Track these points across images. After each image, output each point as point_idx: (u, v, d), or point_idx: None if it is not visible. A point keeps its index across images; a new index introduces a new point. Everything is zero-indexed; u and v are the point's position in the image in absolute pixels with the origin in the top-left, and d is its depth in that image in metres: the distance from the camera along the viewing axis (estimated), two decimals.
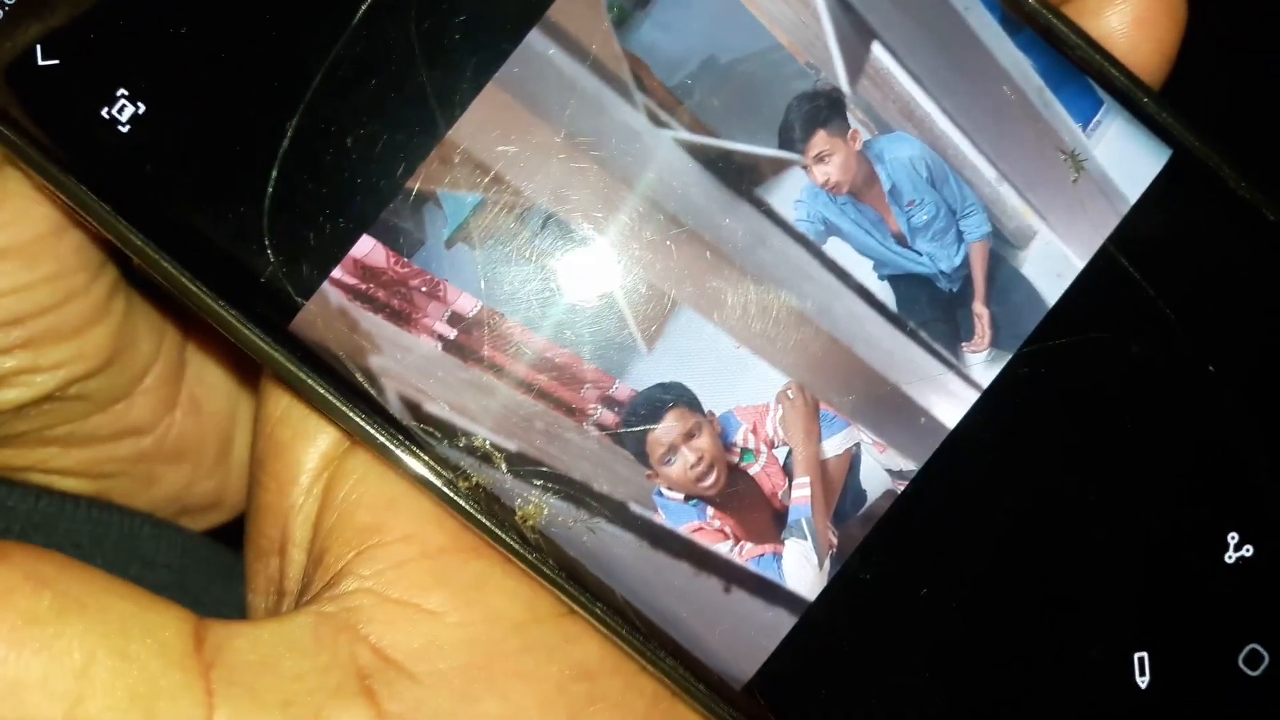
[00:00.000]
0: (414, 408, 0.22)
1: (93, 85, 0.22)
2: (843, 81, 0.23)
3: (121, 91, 0.22)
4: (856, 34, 0.23)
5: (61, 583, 0.20)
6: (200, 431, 0.31)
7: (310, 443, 0.24)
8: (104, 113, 0.22)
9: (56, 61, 0.22)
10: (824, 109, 0.23)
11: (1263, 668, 0.24)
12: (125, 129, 0.22)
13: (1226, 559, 0.24)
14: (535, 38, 0.22)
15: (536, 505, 0.23)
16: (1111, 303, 0.24)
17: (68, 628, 0.20)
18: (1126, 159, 0.24)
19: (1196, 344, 0.24)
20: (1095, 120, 0.24)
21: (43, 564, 0.20)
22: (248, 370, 0.31)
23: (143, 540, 0.30)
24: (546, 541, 0.23)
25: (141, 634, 0.20)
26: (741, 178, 0.23)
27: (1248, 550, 0.24)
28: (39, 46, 0.22)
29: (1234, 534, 0.24)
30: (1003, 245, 0.23)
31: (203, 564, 0.32)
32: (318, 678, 0.21)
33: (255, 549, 0.25)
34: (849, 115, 0.23)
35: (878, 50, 0.23)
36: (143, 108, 0.22)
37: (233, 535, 0.32)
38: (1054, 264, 0.23)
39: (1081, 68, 0.24)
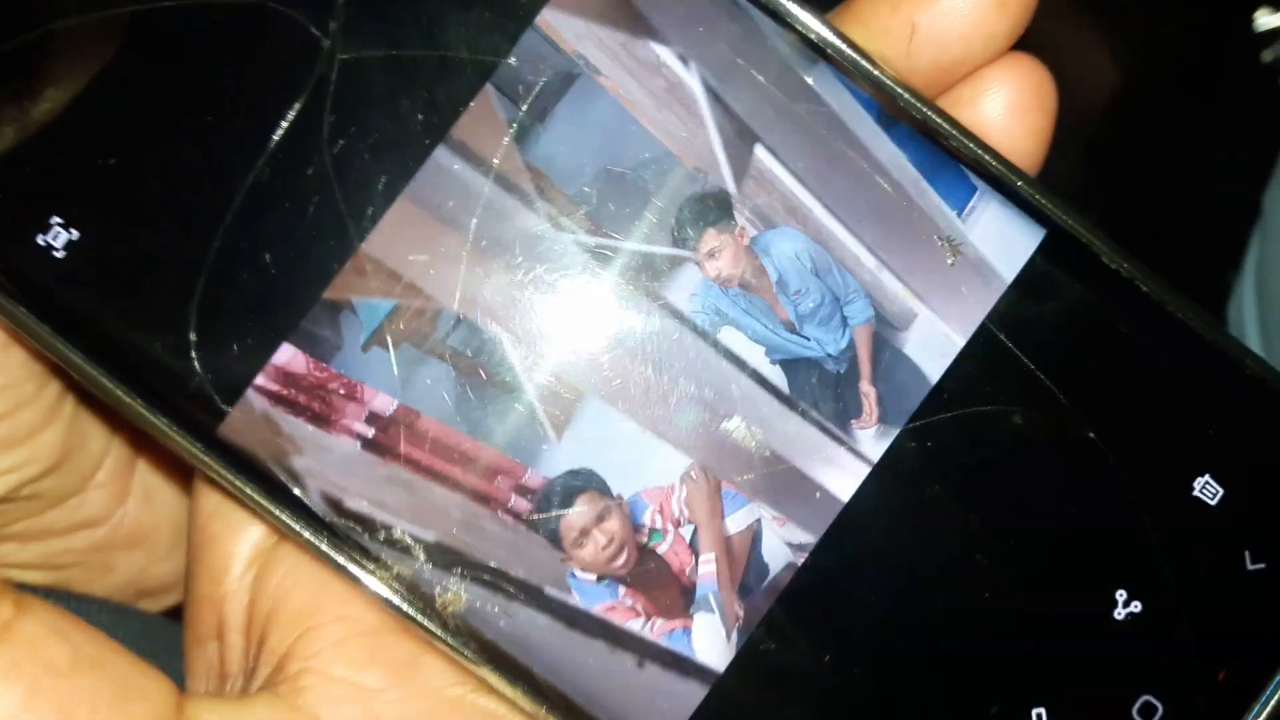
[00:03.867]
0: (335, 504, 0.24)
1: (28, 215, 0.23)
2: (729, 183, 0.24)
3: (56, 220, 0.23)
4: (740, 139, 0.24)
5: (77, 639, 0.21)
6: (154, 519, 0.32)
7: (241, 535, 0.25)
8: (39, 240, 0.23)
9: None
10: (712, 209, 0.24)
11: (1156, 718, 0.25)
12: (60, 255, 0.23)
13: (1116, 615, 0.25)
14: (441, 154, 0.23)
15: (455, 593, 0.24)
16: (992, 377, 0.25)
17: (81, 682, 0.21)
18: (1002, 240, 0.25)
19: (1077, 413, 0.25)
20: (970, 206, 0.25)
21: (62, 620, 0.22)
22: None
23: (100, 626, 0.30)
24: (466, 626, 0.24)
25: (140, 696, 0.21)
26: (639, 275, 0.24)
27: (1136, 606, 0.25)
28: None
29: (1122, 591, 0.25)
30: (885, 327, 0.25)
31: (163, 644, 0.32)
32: None
33: (193, 635, 0.26)
34: (736, 213, 0.24)
35: (760, 152, 0.24)
36: (76, 234, 0.23)
37: None
38: (935, 343, 0.25)
39: (955, 157, 0.25)
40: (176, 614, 0.34)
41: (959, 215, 0.25)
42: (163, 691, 0.22)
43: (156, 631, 0.32)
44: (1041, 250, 0.25)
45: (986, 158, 0.25)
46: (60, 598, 0.30)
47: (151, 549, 0.32)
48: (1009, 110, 0.26)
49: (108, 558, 0.31)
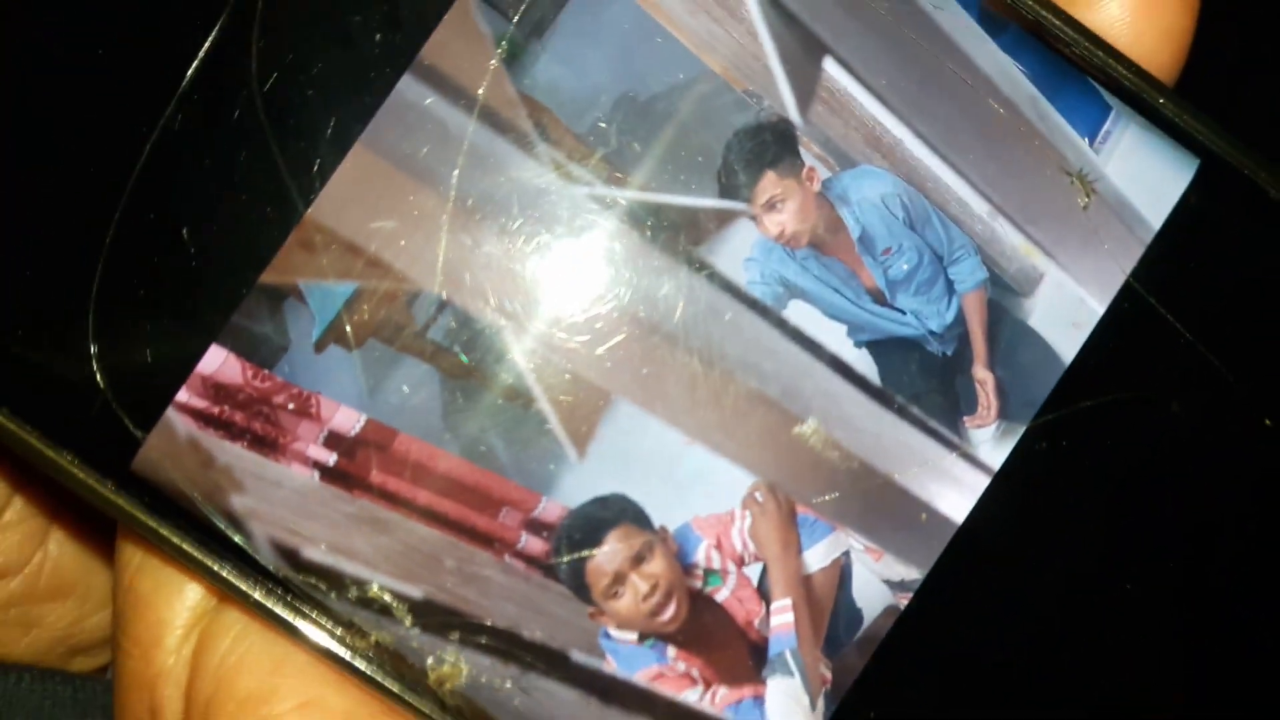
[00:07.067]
0: (290, 555, 0.21)
1: None
2: (791, 110, 0.22)
3: None
4: (804, 50, 0.22)
5: None
6: (82, 561, 0.29)
7: (176, 594, 0.22)
8: None
9: None
10: (771, 145, 0.22)
11: None
12: None
13: None
14: (408, 85, 0.21)
15: (453, 664, 0.21)
16: (1143, 353, 0.23)
17: None
18: (1146, 175, 0.23)
19: (1250, 394, 0.22)
20: (1104, 131, 0.23)
21: None
22: None
23: (22, 696, 0.28)
24: (470, 706, 0.21)
25: None
26: (677, 237, 0.22)
27: None
28: None
29: None
30: (1004, 293, 0.23)
31: (103, 710, 0.30)
32: None
33: None
34: (802, 150, 0.22)
35: (831, 68, 0.22)
36: None
37: None
38: (1068, 311, 0.23)
39: (1081, 68, 0.22)
40: None
41: (1091, 143, 0.23)
42: None
43: (93, 698, 0.30)
44: (1195, 186, 0.23)
45: (1120, 69, 0.22)
46: None
47: (83, 597, 0.29)
48: (1139, 6, 0.23)
49: (27, 612, 0.29)
